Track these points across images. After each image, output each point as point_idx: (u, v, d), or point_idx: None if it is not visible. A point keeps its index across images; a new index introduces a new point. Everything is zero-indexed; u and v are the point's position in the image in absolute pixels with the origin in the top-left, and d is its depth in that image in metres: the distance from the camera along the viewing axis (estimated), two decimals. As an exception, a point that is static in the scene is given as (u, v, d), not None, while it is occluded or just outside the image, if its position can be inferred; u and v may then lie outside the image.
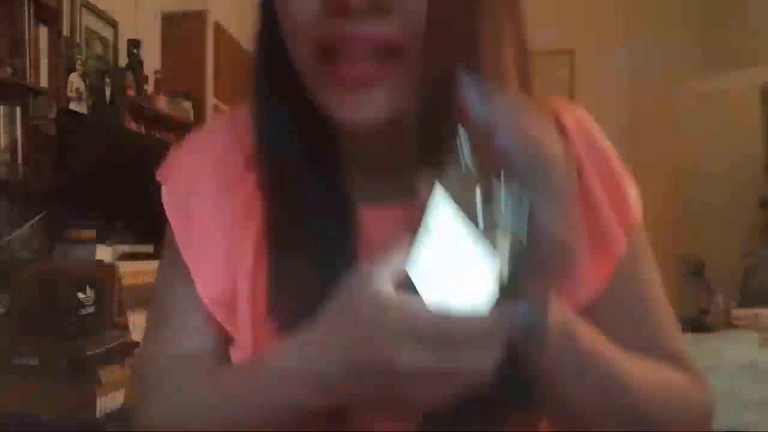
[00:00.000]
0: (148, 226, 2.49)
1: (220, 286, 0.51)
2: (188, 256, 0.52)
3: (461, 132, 0.37)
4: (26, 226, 2.04)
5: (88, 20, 2.75)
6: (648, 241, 0.55)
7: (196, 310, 0.52)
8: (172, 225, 0.54)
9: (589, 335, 0.44)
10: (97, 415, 1.51)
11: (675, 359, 0.53)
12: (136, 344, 1.76)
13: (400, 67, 0.44)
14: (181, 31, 3.46)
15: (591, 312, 0.48)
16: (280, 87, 0.51)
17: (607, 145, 0.54)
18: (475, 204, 0.36)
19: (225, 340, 0.52)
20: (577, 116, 0.54)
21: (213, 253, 0.52)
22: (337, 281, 0.41)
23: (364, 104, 0.44)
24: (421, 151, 0.44)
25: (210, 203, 0.53)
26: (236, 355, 0.50)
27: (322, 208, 0.50)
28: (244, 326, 0.50)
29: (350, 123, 0.46)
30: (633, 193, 0.54)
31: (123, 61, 2.95)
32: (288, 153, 0.51)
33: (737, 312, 2.97)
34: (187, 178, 0.55)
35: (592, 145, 0.53)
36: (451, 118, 0.38)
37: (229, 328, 0.51)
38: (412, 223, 0.41)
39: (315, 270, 0.48)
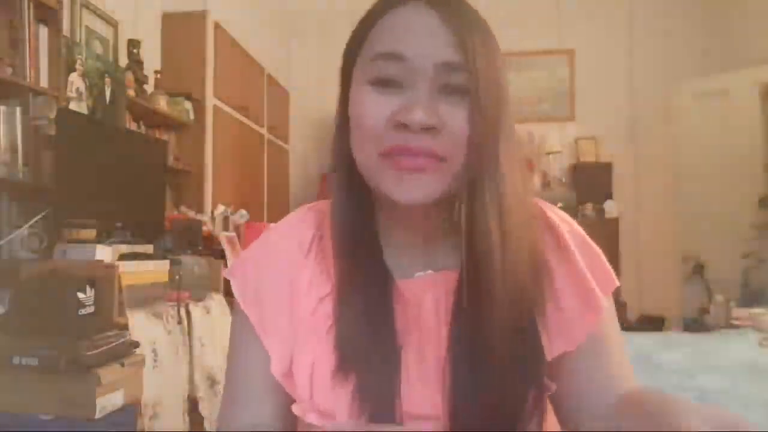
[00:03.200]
0: (148, 227, 2.49)
1: (287, 361, 0.63)
2: (267, 344, 0.65)
3: None
4: (26, 226, 2.04)
5: (88, 20, 2.75)
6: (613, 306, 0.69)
7: (266, 385, 0.65)
8: (249, 316, 0.66)
9: None
10: (97, 415, 1.51)
11: None
12: (136, 344, 1.76)
13: (444, 167, 0.59)
14: (181, 31, 3.46)
15: (575, 353, 0.63)
16: (349, 185, 0.65)
17: (582, 232, 0.69)
18: None
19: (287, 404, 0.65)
20: (559, 213, 0.70)
21: (281, 334, 0.65)
22: (377, 343, 0.61)
23: (418, 188, 0.59)
24: (447, 231, 0.64)
25: (275, 292, 0.66)
26: (298, 410, 0.62)
27: (370, 285, 0.64)
28: (304, 389, 0.61)
29: (406, 201, 0.59)
30: (608, 266, 0.67)
31: (123, 61, 2.95)
32: (349, 241, 0.65)
33: (737, 312, 2.97)
34: (254, 275, 0.68)
35: (573, 233, 0.68)
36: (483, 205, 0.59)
37: (293, 394, 0.63)
38: (436, 288, 0.64)
39: (362, 336, 0.61)
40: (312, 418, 0.60)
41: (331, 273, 0.65)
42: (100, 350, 1.56)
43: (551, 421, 0.67)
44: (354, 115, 0.61)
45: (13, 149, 2.07)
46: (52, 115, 2.14)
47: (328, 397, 0.60)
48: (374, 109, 0.59)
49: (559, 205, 4.46)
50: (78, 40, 2.61)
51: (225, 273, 0.71)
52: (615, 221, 4.44)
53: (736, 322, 2.79)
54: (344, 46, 0.66)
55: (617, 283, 0.66)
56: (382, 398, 0.59)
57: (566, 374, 0.64)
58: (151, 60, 3.22)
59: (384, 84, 0.59)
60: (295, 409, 0.62)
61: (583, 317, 0.63)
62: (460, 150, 0.58)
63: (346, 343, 0.61)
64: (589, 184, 4.60)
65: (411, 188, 0.59)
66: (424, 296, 0.64)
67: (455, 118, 0.58)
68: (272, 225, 0.74)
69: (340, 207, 0.66)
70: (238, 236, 3.17)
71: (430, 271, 0.66)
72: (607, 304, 0.65)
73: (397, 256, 0.66)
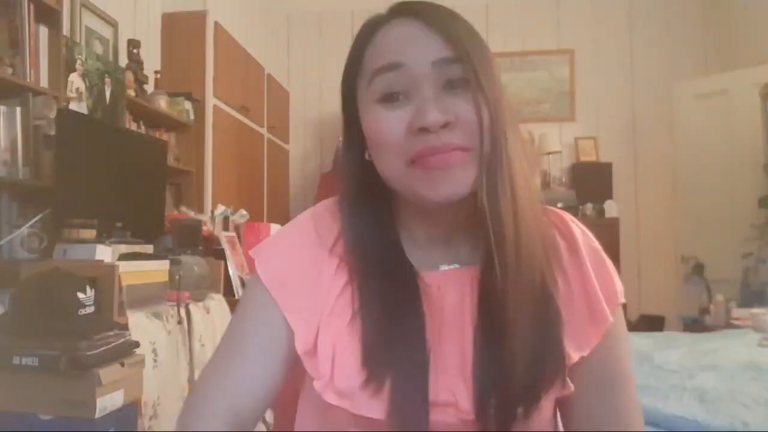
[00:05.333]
0: (148, 227, 2.49)
1: (311, 341, 0.66)
2: (291, 321, 0.67)
3: None
4: (26, 226, 2.04)
5: (88, 20, 2.75)
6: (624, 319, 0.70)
7: (274, 348, 0.68)
8: (271, 293, 0.68)
9: None
10: (97, 415, 1.51)
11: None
12: (136, 344, 1.76)
13: (468, 157, 0.62)
14: (181, 31, 3.46)
15: (581, 364, 0.65)
16: (362, 190, 0.69)
17: (598, 246, 0.71)
18: None
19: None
20: (579, 224, 0.73)
21: (305, 314, 0.67)
22: (408, 333, 0.63)
23: (448, 183, 0.62)
24: (469, 227, 0.66)
25: (300, 277, 0.69)
26: (318, 387, 0.64)
27: (395, 278, 0.66)
28: (326, 369, 0.63)
29: (439, 200, 0.62)
30: (618, 281, 0.69)
31: (123, 61, 2.95)
32: (368, 240, 0.68)
33: (737, 312, 2.97)
34: (281, 257, 0.71)
35: (589, 246, 0.70)
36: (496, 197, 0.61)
37: (312, 372, 0.65)
38: (462, 283, 0.66)
39: (391, 326, 0.63)
40: (331, 398, 0.63)
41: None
42: (100, 350, 1.56)
43: (545, 421, 0.68)
44: (372, 136, 0.65)
45: (13, 149, 2.07)
46: (52, 115, 2.14)
47: (348, 380, 0.62)
48: (390, 124, 0.63)
49: (559, 205, 4.45)
50: (78, 40, 2.62)
51: (250, 252, 0.74)
52: (615, 221, 4.44)
53: (736, 322, 2.79)
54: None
55: (622, 300, 0.68)
56: (412, 388, 0.61)
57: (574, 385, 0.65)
58: (151, 60, 3.22)
59: (391, 99, 0.63)
60: (316, 385, 0.64)
61: (590, 329, 0.66)
62: (477, 137, 0.62)
63: (372, 334, 0.63)
64: (589, 184, 4.60)
65: (442, 185, 0.62)
66: (449, 288, 0.67)
67: (464, 108, 0.62)
68: (298, 215, 0.76)
69: (354, 208, 0.70)
70: (238, 236, 3.17)
71: (455, 265, 0.69)
72: (619, 317, 0.68)
73: (420, 251, 0.69)
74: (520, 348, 0.61)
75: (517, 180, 0.63)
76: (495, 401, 0.61)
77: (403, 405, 0.61)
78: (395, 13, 0.67)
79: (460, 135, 0.62)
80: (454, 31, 0.63)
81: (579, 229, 0.71)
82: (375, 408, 0.61)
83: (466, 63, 0.62)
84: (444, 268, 0.69)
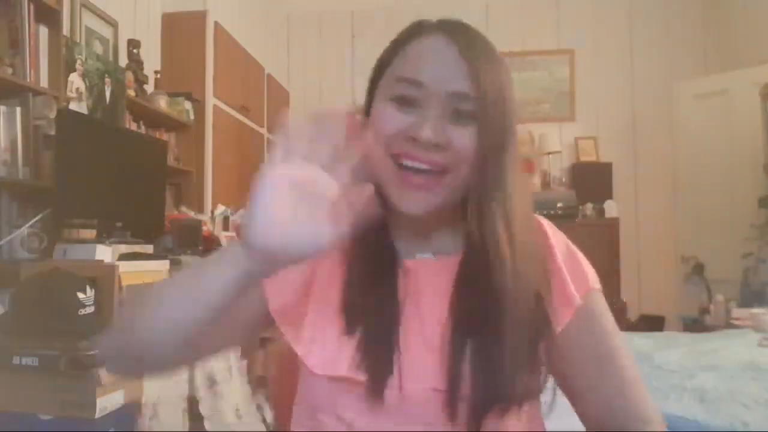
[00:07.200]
0: (148, 227, 2.49)
1: (288, 301, 0.71)
2: (269, 285, 0.71)
3: None
4: (26, 226, 2.04)
5: (88, 20, 2.75)
6: (606, 305, 0.76)
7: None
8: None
9: None
10: (97, 415, 1.51)
11: (642, 416, 0.73)
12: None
13: (446, 181, 0.67)
14: (181, 31, 3.46)
15: (562, 345, 0.70)
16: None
17: (568, 240, 0.78)
18: None
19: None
20: (552, 227, 0.78)
21: (289, 278, 0.71)
22: (386, 305, 0.69)
23: (420, 202, 0.68)
24: (447, 223, 0.73)
25: (295, 272, 0.72)
26: (301, 351, 0.69)
27: (379, 257, 0.72)
28: (308, 333, 0.69)
29: (408, 213, 0.68)
30: (590, 271, 0.75)
31: (123, 61, 2.95)
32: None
33: (737, 312, 2.97)
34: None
35: (561, 243, 0.76)
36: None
37: (288, 335, 0.70)
38: (444, 270, 0.71)
39: (373, 300, 0.69)
40: (314, 364, 0.67)
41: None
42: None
43: (535, 420, 0.72)
44: (374, 126, 0.69)
45: (13, 149, 2.07)
46: (52, 115, 2.14)
47: (331, 347, 0.67)
48: (391, 121, 0.68)
49: (559, 205, 4.42)
50: (78, 40, 2.61)
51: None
52: (615, 221, 4.44)
53: (736, 322, 2.79)
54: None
55: (595, 286, 0.74)
56: (382, 351, 0.66)
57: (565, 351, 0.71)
58: (151, 60, 3.21)
59: (402, 102, 0.68)
60: (300, 350, 0.69)
61: (559, 310, 0.71)
62: (462, 167, 0.66)
63: (352, 304, 0.69)
64: (589, 184, 4.59)
65: (412, 202, 0.68)
66: (429, 274, 0.72)
67: (461, 139, 0.66)
68: None
69: None
70: (238, 236, 3.17)
71: (429, 255, 0.74)
72: (595, 301, 0.74)
73: (405, 241, 0.74)
74: (492, 327, 0.66)
75: (517, 218, 0.68)
76: (469, 379, 0.64)
77: (373, 348, 0.66)
78: (438, 28, 0.71)
79: (448, 157, 0.66)
80: (481, 65, 0.67)
81: (551, 230, 0.77)
82: (353, 369, 0.65)
83: (481, 103, 0.66)
84: (422, 255, 0.74)
